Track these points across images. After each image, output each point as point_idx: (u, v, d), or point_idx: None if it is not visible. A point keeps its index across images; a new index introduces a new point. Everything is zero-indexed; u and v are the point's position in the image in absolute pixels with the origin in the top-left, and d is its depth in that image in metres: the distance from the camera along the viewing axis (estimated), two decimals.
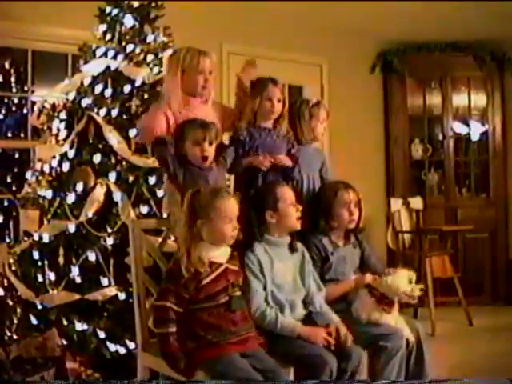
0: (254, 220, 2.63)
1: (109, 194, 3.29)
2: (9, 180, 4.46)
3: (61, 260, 3.31)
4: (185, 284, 2.28)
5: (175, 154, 2.70)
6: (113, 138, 3.34)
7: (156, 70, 3.51)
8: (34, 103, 4.34)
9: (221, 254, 2.39)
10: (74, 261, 3.29)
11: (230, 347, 2.29)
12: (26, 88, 4.53)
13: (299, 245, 2.72)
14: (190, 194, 2.36)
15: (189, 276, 2.28)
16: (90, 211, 3.27)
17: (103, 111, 3.42)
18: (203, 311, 2.31)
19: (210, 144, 2.69)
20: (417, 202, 5.60)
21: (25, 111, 4.56)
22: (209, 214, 2.32)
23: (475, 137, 6.24)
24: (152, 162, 3.30)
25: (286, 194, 2.67)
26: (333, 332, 2.47)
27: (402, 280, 2.72)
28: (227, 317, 2.32)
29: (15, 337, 3.33)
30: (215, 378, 2.23)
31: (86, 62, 3.62)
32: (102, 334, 3.14)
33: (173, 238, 2.91)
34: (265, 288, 2.54)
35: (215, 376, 2.24)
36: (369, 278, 2.82)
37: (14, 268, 3.50)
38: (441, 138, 6.23)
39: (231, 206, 2.37)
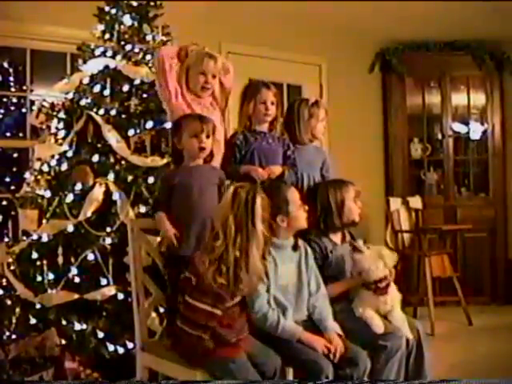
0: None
1: (108, 193, 3.29)
2: (7, 179, 4.45)
3: (60, 259, 3.30)
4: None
5: (172, 150, 2.73)
6: (112, 137, 3.34)
7: (155, 69, 3.51)
8: (32, 102, 4.34)
9: None
10: (72, 260, 3.28)
11: (241, 347, 2.32)
12: (24, 87, 4.53)
13: (300, 242, 2.72)
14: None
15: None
16: (88, 211, 3.26)
17: (102, 110, 3.42)
18: (224, 311, 2.31)
19: (207, 137, 2.71)
20: (416, 202, 5.60)
21: (23, 110, 4.55)
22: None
23: (474, 136, 6.24)
24: (151, 161, 3.30)
25: (295, 196, 2.68)
26: (333, 340, 2.49)
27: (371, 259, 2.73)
28: (240, 314, 2.37)
29: (14, 336, 3.32)
30: (223, 377, 2.25)
31: (84, 62, 3.61)
32: (100, 334, 3.13)
33: None
34: (268, 290, 2.54)
35: (224, 375, 2.25)
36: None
37: (12, 267, 3.49)
38: (440, 137, 6.23)
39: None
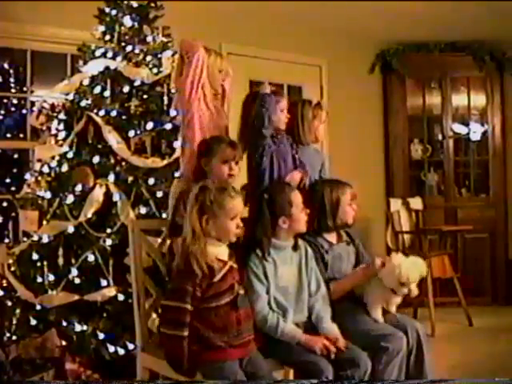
0: (268, 225, 2.63)
1: (108, 194, 3.29)
2: (8, 180, 4.45)
3: (60, 261, 3.30)
4: (200, 283, 2.25)
5: (196, 168, 2.71)
6: (112, 138, 3.34)
7: (155, 70, 3.51)
8: (33, 103, 4.34)
9: (224, 252, 2.38)
10: (73, 261, 3.29)
11: (233, 352, 2.28)
12: (25, 88, 4.52)
13: (301, 242, 2.72)
14: (197, 190, 2.32)
15: (203, 274, 2.25)
16: (89, 212, 3.26)
17: (102, 111, 3.42)
18: (210, 311, 2.28)
19: (237, 163, 2.70)
20: (416, 203, 5.60)
21: (24, 111, 4.55)
22: (214, 211, 2.31)
23: (475, 137, 6.23)
24: (151, 162, 3.30)
25: (298, 198, 2.68)
26: (333, 340, 2.48)
27: (413, 271, 2.68)
28: (232, 316, 2.31)
29: (14, 337, 3.33)
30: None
31: (85, 63, 3.61)
32: (101, 335, 3.14)
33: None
34: (267, 292, 2.55)
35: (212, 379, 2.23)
36: (378, 262, 2.75)
37: (13, 269, 3.50)
38: (440, 138, 6.23)
39: (238, 204, 2.37)
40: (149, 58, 3.55)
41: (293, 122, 3.16)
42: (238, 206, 2.37)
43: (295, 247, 2.69)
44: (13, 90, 4.63)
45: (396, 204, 5.45)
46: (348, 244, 2.97)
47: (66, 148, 3.49)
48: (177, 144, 3.32)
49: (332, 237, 2.94)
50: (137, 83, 3.46)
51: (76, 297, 3.21)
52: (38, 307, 3.32)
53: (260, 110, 2.91)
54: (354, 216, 2.95)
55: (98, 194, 3.29)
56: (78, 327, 3.18)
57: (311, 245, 2.82)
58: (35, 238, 3.43)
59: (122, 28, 3.58)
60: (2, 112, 4.63)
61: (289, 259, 2.66)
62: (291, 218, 2.63)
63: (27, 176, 3.70)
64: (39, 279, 3.35)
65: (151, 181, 3.29)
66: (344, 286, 2.82)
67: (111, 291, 3.16)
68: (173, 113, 3.39)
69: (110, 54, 3.53)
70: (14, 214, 3.80)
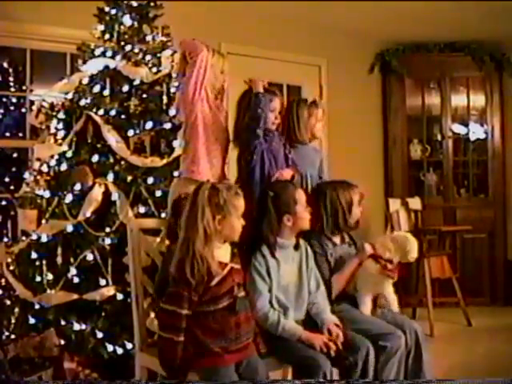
0: (274, 223, 2.63)
1: (107, 193, 3.29)
2: (7, 179, 4.45)
3: (59, 260, 3.30)
4: (196, 287, 2.22)
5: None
6: (111, 137, 3.34)
7: (154, 69, 3.51)
8: (32, 102, 4.33)
9: (225, 253, 2.36)
10: (72, 260, 3.29)
11: (229, 358, 2.25)
12: (24, 87, 4.52)
13: (301, 242, 2.73)
14: (209, 190, 2.29)
15: (200, 278, 2.22)
16: (88, 211, 3.26)
17: (102, 111, 3.42)
18: (207, 315, 2.25)
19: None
20: (415, 203, 5.59)
21: (23, 110, 4.55)
22: (229, 210, 2.29)
23: (474, 137, 6.24)
24: (150, 161, 3.30)
25: (302, 197, 2.70)
26: (333, 334, 2.49)
27: (414, 246, 2.82)
28: (231, 320, 2.27)
29: (13, 336, 3.32)
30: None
31: (84, 62, 3.62)
32: (99, 334, 3.14)
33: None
34: (270, 290, 2.56)
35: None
36: (368, 247, 2.84)
37: (11, 268, 3.50)
38: (439, 138, 6.22)
39: (243, 202, 2.36)
40: (148, 57, 3.55)
41: (288, 121, 3.16)
42: (243, 204, 2.37)
43: (296, 247, 2.70)
44: (12, 89, 4.63)
45: (395, 204, 5.45)
46: (350, 245, 2.99)
47: (65, 147, 3.49)
48: (176, 143, 3.33)
49: (336, 238, 2.95)
50: (136, 82, 3.46)
51: (75, 296, 3.21)
52: (37, 306, 3.31)
53: (255, 111, 2.90)
54: (359, 217, 2.97)
55: (97, 193, 3.29)
56: (76, 326, 3.18)
57: (316, 244, 2.83)
58: (34, 237, 3.43)
59: (122, 27, 3.58)
60: (2, 111, 4.63)
61: (290, 258, 2.68)
62: (295, 215, 2.65)
63: (26, 175, 3.70)
64: (38, 278, 3.35)
65: (150, 180, 3.29)
66: (344, 276, 2.83)
67: (110, 290, 3.16)
68: (172, 112, 3.39)
69: (109, 53, 3.53)
70: (12, 213, 3.80)
